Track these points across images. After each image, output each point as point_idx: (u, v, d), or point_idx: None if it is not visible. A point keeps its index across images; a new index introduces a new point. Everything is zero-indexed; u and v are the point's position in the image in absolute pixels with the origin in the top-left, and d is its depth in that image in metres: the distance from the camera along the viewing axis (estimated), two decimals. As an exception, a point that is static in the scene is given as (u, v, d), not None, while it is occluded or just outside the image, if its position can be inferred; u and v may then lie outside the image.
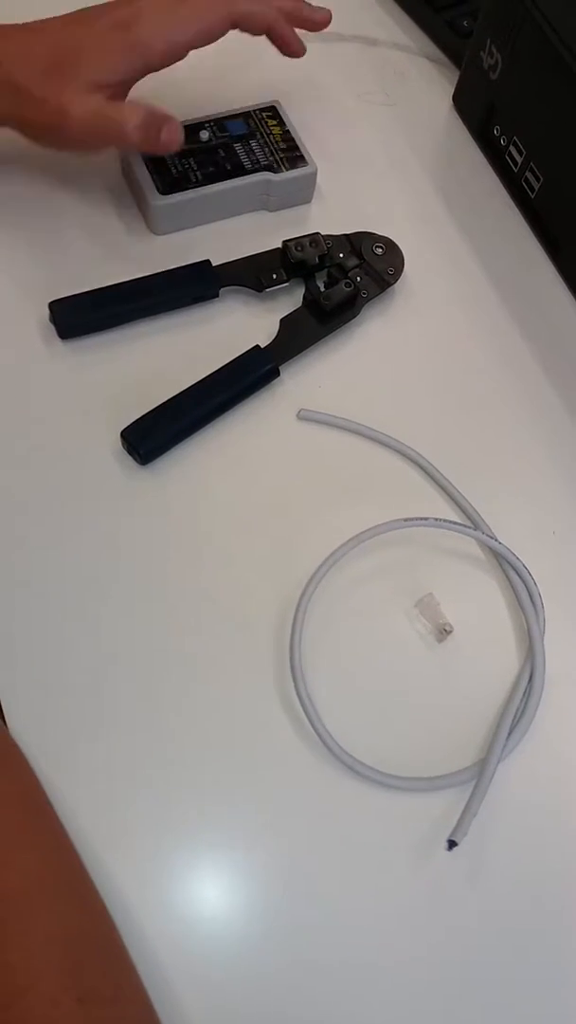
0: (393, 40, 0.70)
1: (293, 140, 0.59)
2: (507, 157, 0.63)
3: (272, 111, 0.60)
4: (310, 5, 0.55)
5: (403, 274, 0.58)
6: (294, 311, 0.56)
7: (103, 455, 0.51)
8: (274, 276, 0.56)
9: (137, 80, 0.52)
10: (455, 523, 0.50)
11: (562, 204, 0.59)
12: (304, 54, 0.54)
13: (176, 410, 0.51)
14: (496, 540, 0.50)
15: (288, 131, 0.59)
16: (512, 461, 0.54)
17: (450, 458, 0.53)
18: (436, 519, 0.49)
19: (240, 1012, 0.41)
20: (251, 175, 0.57)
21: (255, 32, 0.53)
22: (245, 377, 0.53)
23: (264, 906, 0.43)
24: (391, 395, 0.55)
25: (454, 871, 0.44)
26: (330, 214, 0.61)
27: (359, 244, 0.57)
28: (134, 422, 0.50)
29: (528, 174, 0.61)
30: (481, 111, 0.64)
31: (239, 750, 0.45)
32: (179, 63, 0.65)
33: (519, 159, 0.61)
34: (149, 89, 0.65)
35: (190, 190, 0.56)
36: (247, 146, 0.58)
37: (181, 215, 0.57)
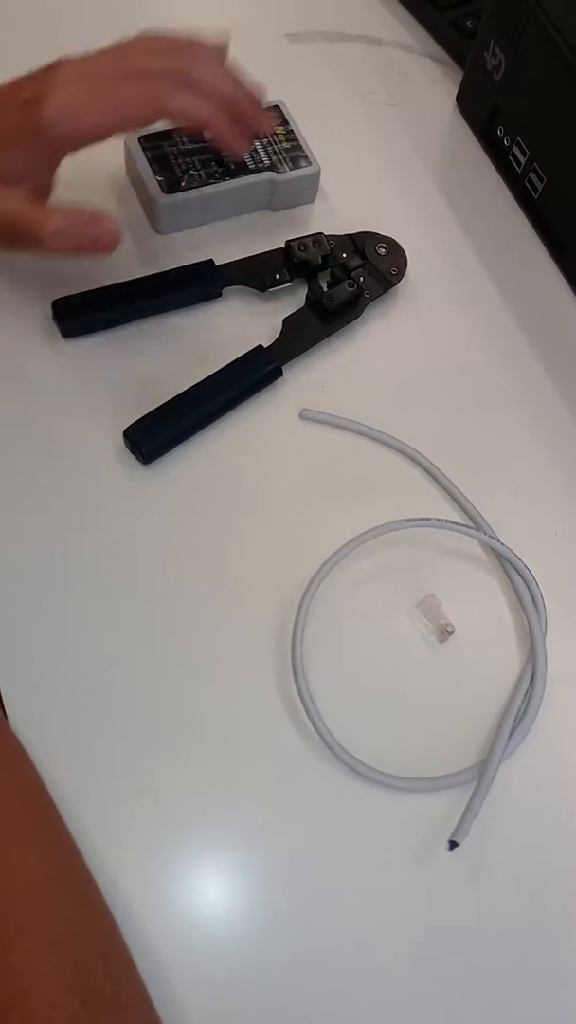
0: (397, 40, 0.70)
1: (296, 140, 0.59)
2: (510, 157, 0.63)
3: (276, 110, 0.60)
4: (256, 106, 0.49)
5: (406, 274, 0.58)
6: (297, 311, 0.56)
7: (105, 454, 0.51)
8: (277, 276, 0.56)
9: (52, 169, 0.46)
10: (457, 523, 0.50)
11: (565, 204, 0.59)
12: (246, 151, 0.49)
13: (179, 409, 0.51)
14: (498, 541, 0.50)
15: (292, 131, 0.59)
16: (514, 461, 0.54)
17: (452, 458, 0.53)
18: (438, 519, 0.49)
19: (241, 1012, 0.41)
20: (255, 175, 0.57)
21: (187, 128, 0.47)
22: (248, 377, 0.53)
23: (265, 906, 0.43)
24: (393, 395, 0.55)
25: (455, 871, 0.44)
26: (333, 214, 0.61)
27: (362, 244, 0.57)
28: (137, 421, 0.50)
29: (531, 174, 0.61)
30: (485, 111, 0.64)
31: (240, 749, 0.45)
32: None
33: (522, 160, 0.61)
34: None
35: (194, 189, 0.56)
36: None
37: (185, 214, 0.57)
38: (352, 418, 0.53)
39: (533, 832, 0.45)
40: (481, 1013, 0.42)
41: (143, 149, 0.57)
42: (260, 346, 0.54)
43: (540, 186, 0.60)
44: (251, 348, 0.53)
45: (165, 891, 0.42)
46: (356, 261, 0.57)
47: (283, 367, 0.54)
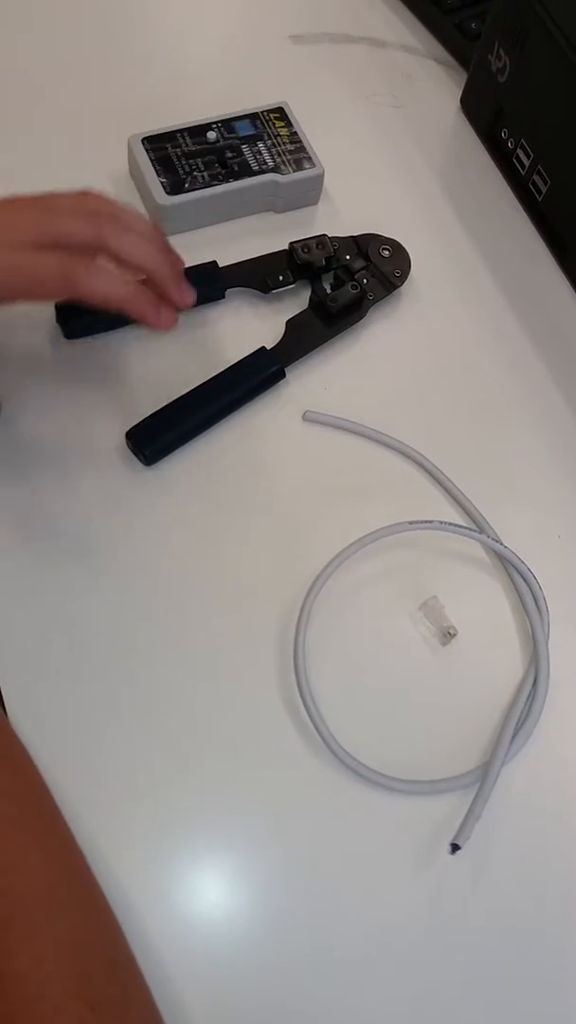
0: (401, 42, 0.70)
1: (300, 141, 0.59)
2: (514, 160, 0.62)
3: (279, 112, 0.60)
4: (178, 279, 0.47)
5: (410, 277, 0.58)
6: (300, 313, 0.55)
7: (108, 456, 0.51)
8: (280, 278, 0.56)
9: None
10: (460, 526, 0.50)
11: (569, 207, 0.59)
12: (171, 327, 0.46)
13: (181, 411, 0.51)
14: (501, 544, 0.50)
15: (295, 132, 0.59)
16: (517, 464, 0.54)
17: (455, 461, 0.53)
18: (441, 522, 0.49)
19: (242, 1013, 0.41)
20: (258, 176, 0.57)
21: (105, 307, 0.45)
22: (251, 378, 0.53)
23: (267, 907, 0.42)
24: (396, 397, 0.55)
25: (457, 874, 0.44)
26: (337, 216, 0.61)
27: (366, 246, 0.57)
28: (139, 423, 0.50)
29: (536, 177, 0.61)
30: (489, 114, 0.64)
31: (243, 751, 0.45)
32: (186, 61, 0.66)
33: (527, 162, 0.61)
34: (156, 90, 0.65)
35: (197, 191, 0.56)
36: (254, 147, 0.58)
37: (188, 216, 0.57)
38: (355, 420, 0.53)
39: (535, 835, 0.45)
40: (483, 1015, 0.42)
41: (147, 150, 0.57)
42: (263, 348, 0.54)
43: (544, 188, 0.60)
44: (254, 350, 0.53)
45: (167, 892, 0.42)
46: (359, 263, 0.57)
47: (286, 369, 0.54)
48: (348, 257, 0.57)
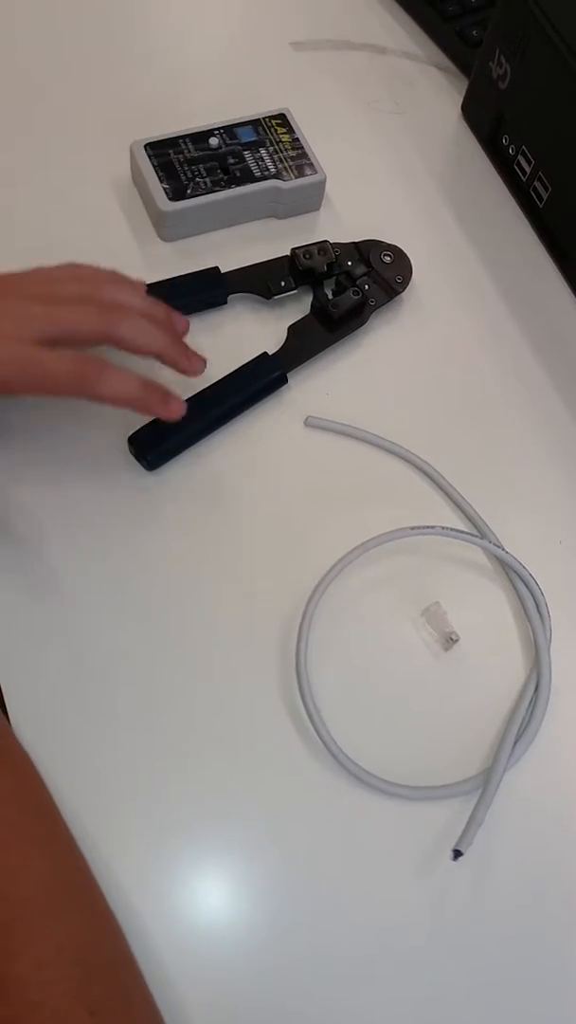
0: (402, 49, 0.70)
1: (302, 148, 0.59)
2: (515, 166, 0.63)
3: (281, 118, 0.60)
4: (184, 352, 0.49)
5: (411, 283, 0.58)
6: (302, 318, 0.56)
7: (111, 461, 0.51)
8: (282, 283, 0.56)
9: None
10: (462, 532, 0.50)
11: (570, 213, 0.59)
12: (181, 415, 0.48)
13: (184, 416, 0.51)
14: (503, 549, 0.50)
15: (297, 139, 0.59)
16: (519, 470, 0.54)
17: (457, 466, 0.53)
18: (443, 528, 0.49)
19: (243, 1016, 0.41)
20: (260, 182, 0.57)
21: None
22: (253, 384, 0.53)
23: (268, 912, 0.42)
24: (398, 403, 0.55)
25: (459, 881, 0.44)
26: (339, 222, 0.61)
27: (367, 252, 0.57)
28: (141, 428, 0.50)
29: (537, 183, 0.61)
30: (490, 120, 0.64)
31: (244, 756, 0.45)
32: (188, 68, 0.66)
33: (528, 168, 0.61)
34: (158, 96, 0.66)
35: (199, 197, 0.56)
36: (256, 153, 0.58)
37: (190, 222, 0.58)
38: (357, 425, 0.53)
39: (537, 841, 0.45)
40: (485, 1020, 0.42)
41: (149, 156, 0.57)
42: (265, 353, 0.54)
43: (545, 195, 0.60)
44: (256, 355, 0.53)
45: (168, 895, 0.42)
46: (361, 269, 0.57)
47: (288, 374, 0.54)
48: (350, 263, 0.57)
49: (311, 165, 0.59)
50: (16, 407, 0.52)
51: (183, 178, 0.57)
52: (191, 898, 0.42)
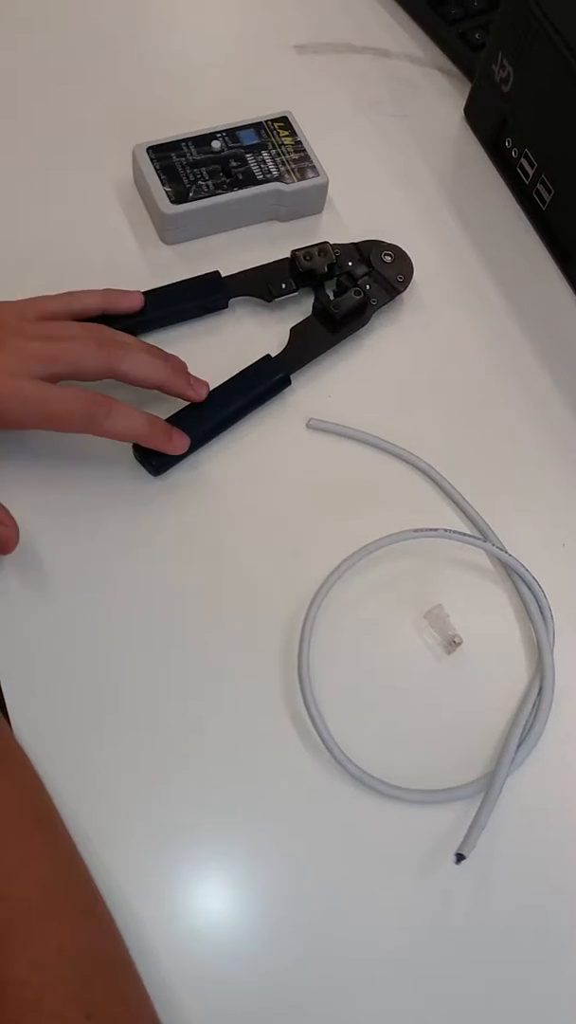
0: (405, 52, 0.70)
1: (304, 151, 0.59)
2: (518, 169, 0.63)
3: (284, 121, 0.60)
4: (186, 380, 0.50)
5: (414, 286, 0.58)
6: (304, 320, 0.55)
7: (116, 466, 0.51)
8: (283, 285, 0.56)
9: None
10: (464, 534, 0.49)
11: (573, 216, 0.59)
12: (184, 450, 0.50)
13: (188, 420, 0.51)
14: (506, 552, 0.50)
15: (299, 141, 0.59)
16: (521, 472, 0.54)
17: (460, 468, 0.53)
18: (445, 530, 0.49)
19: (242, 1020, 0.40)
20: (262, 185, 0.57)
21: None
22: (257, 386, 0.53)
23: (269, 915, 0.42)
24: (400, 404, 0.55)
25: (461, 884, 0.43)
26: (341, 225, 0.61)
27: (368, 252, 0.57)
28: (145, 432, 0.50)
29: (539, 186, 0.61)
30: (492, 123, 0.64)
31: (246, 759, 0.45)
32: (190, 71, 0.66)
33: (530, 171, 0.61)
34: (160, 100, 0.66)
35: (201, 200, 0.56)
36: (258, 156, 0.58)
37: (192, 224, 0.58)
38: (359, 427, 0.53)
39: (541, 845, 0.45)
40: (488, 1029, 0.41)
41: (151, 160, 0.57)
42: (268, 355, 0.54)
43: (548, 198, 0.60)
44: (259, 358, 0.53)
45: (167, 898, 0.42)
46: (362, 269, 0.57)
47: (291, 376, 0.53)
48: (350, 264, 0.57)
49: (313, 168, 0.59)
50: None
51: (185, 181, 0.57)
52: (190, 901, 0.42)
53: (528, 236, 0.63)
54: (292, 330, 0.55)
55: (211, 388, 0.52)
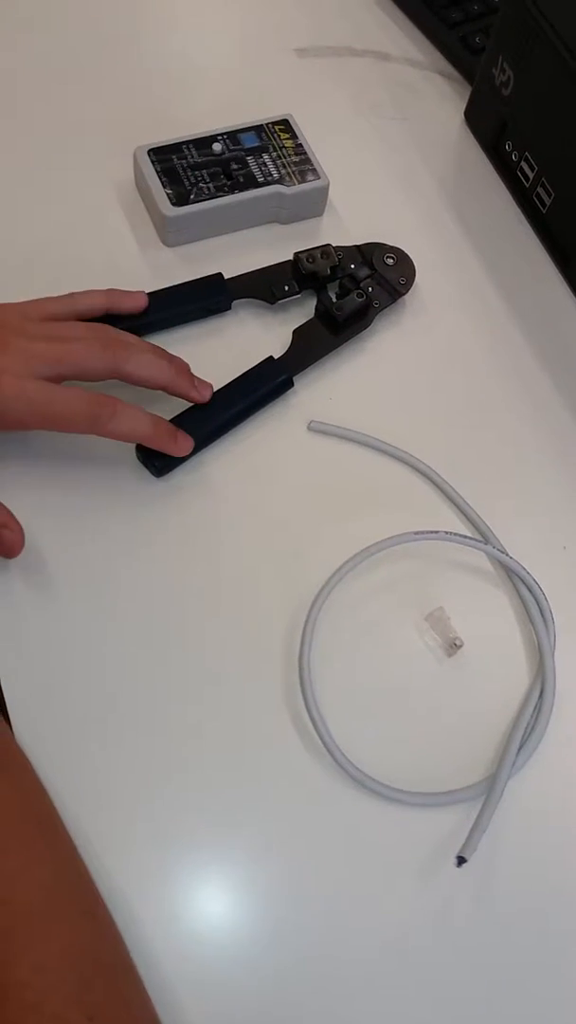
0: (405, 55, 0.70)
1: (305, 153, 0.59)
2: (518, 172, 0.63)
3: (284, 124, 0.60)
4: (190, 381, 0.50)
5: (415, 289, 0.58)
6: (307, 322, 0.56)
7: (119, 467, 0.51)
8: (286, 288, 0.56)
9: None
10: (466, 537, 0.49)
11: (573, 219, 0.59)
12: (188, 451, 0.50)
13: (192, 422, 0.51)
14: (507, 554, 0.50)
15: (300, 144, 0.59)
16: (522, 475, 0.54)
17: (461, 471, 0.53)
18: (446, 532, 0.49)
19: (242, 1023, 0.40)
20: (263, 188, 0.57)
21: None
22: (259, 388, 0.53)
23: (270, 918, 0.42)
24: (401, 407, 0.55)
25: (463, 887, 0.43)
26: (342, 228, 0.61)
27: (370, 255, 0.57)
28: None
29: (540, 189, 0.61)
30: (493, 127, 0.64)
31: (247, 762, 0.45)
32: (191, 73, 0.66)
33: (531, 174, 0.61)
34: (162, 102, 0.66)
35: (203, 202, 0.56)
36: (259, 159, 0.58)
37: (193, 227, 0.58)
38: (360, 430, 0.53)
39: (542, 848, 0.45)
40: (489, 1032, 0.41)
41: (152, 162, 0.57)
42: (271, 357, 0.54)
43: (548, 201, 0.60)
44: (262, 360, 0.53)
45: (168, 901, 0.42)
46: (364, 271, 0.57)
47: (294, 378, 0.53)
48: (353, 266, 0.57)
49: (314, 171, 0.59)
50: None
51: (186, 183, 0.57)
52: (191, 903, 0.42)
53: (528, 239, 0.63)
54: (295, 332, 0.55)
55: (215, 390, 0.52)
